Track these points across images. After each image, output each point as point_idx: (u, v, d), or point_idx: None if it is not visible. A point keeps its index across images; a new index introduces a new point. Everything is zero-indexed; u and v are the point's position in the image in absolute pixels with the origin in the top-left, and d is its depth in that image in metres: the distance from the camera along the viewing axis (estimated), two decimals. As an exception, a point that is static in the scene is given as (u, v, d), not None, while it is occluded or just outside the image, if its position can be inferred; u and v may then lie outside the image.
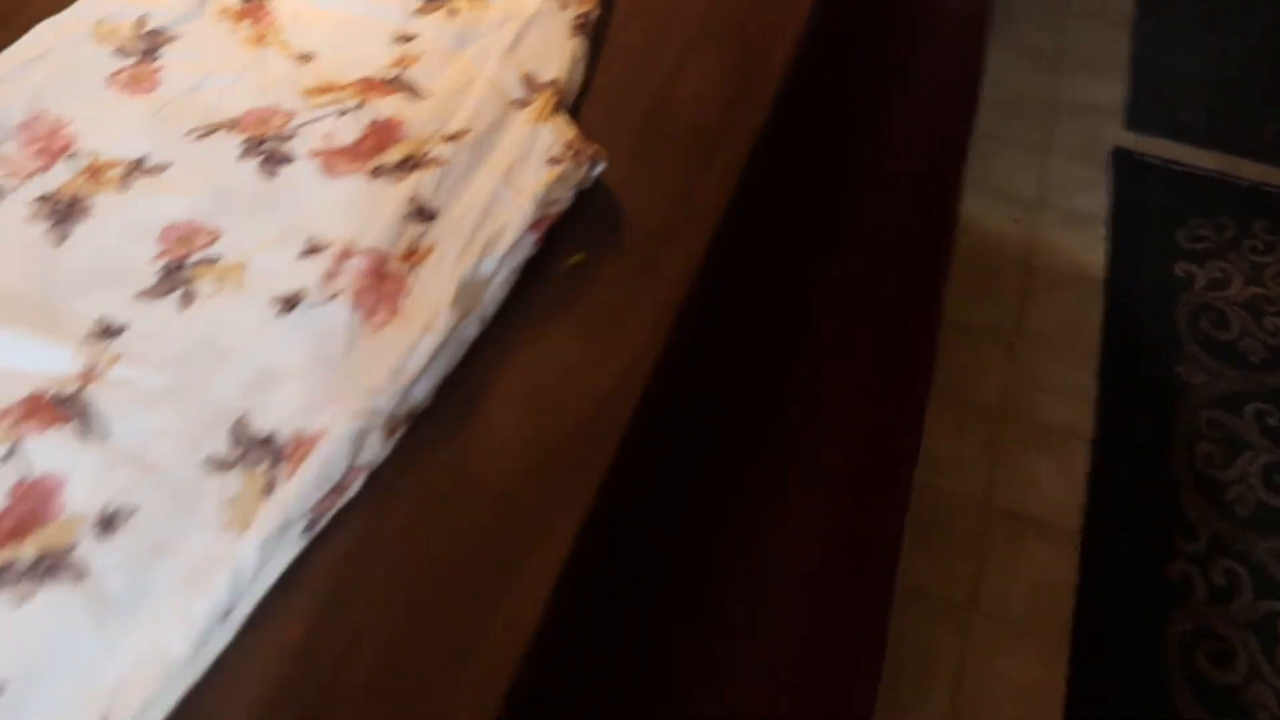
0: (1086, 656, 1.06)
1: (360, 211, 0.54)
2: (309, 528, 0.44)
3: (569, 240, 0.54)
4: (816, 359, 0.80)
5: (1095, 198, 1.43)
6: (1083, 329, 1.33)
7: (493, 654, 0.41)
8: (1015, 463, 1.22)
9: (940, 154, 1.00)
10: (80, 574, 0.42)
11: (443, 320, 0.48)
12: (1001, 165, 1.49)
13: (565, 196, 0.54)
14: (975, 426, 1.24)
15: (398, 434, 0.46)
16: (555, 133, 0.56)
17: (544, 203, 0.53)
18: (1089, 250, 1.39)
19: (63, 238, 0.53)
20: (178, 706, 0.39)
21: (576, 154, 0.55)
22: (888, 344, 0.84)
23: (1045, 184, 1.49)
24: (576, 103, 0.60)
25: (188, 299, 0.51)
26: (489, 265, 0.50)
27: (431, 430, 0.47)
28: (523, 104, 0.58)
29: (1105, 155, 1.46)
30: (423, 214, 0.54)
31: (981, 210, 1.44)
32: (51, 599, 0.41)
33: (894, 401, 0.83)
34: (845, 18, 0.84)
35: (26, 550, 0.43)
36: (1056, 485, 1.21)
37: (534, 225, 0.52)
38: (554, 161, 0.54)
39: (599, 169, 0.55)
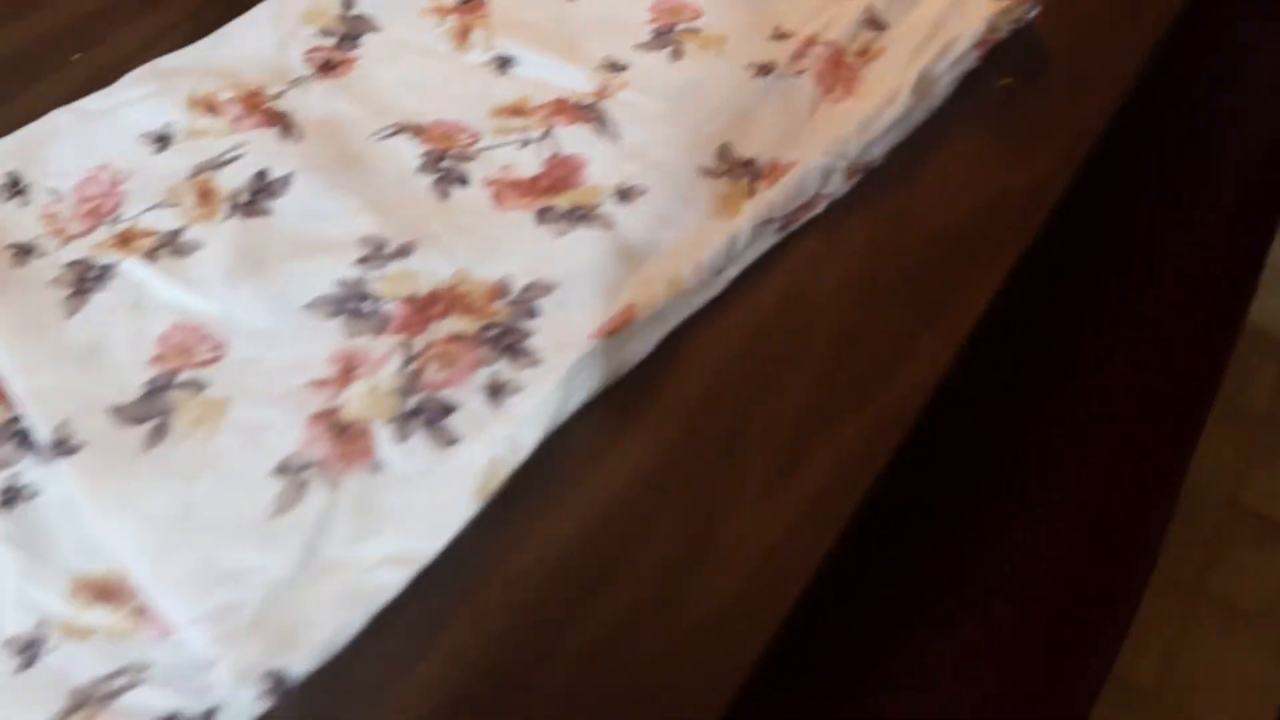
0: (1316, 667, 1.04)
1: (822, 13, 0.63)
2: (781, 228, 0.53)
3: (1000, 67, 0.61)
4: (1118, 335, 0.82)
5: None
6: (1370, 354, 1.29)
7: (923, 359, 0.49)
8: (1273, 470, 1.20)
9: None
10: (607, 224, 0.52)
11: (903, 99, 0.56)
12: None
13: (1004, 28, 0.61)
14: (1236, 428, 1.22)
15: (854, 179, 0.55)
16: (997, -22, 0.63)
17: (990, 28, 0.60)
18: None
19: (575, -2, 0.64)
20: (675, 332, 0.49)
21: (1019, -6, 0.62)
22: (1188, 345, 0.85)
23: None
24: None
25: (676, 55, 0.61)
26: (940, 67, 0.58)
27: (881, 181, 0.55)
28: (963, -45, 0.65)
29: None
30: (875, 23, 0.62)
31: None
32: (585, 235, 0.52)
33: (1177, 403, 0.84)
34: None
35: (561, 202, 0.54)
36: (1314, 499, 1.18)
37: (978, 44, 0.59)
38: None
39: (1034, 13, 0.62)
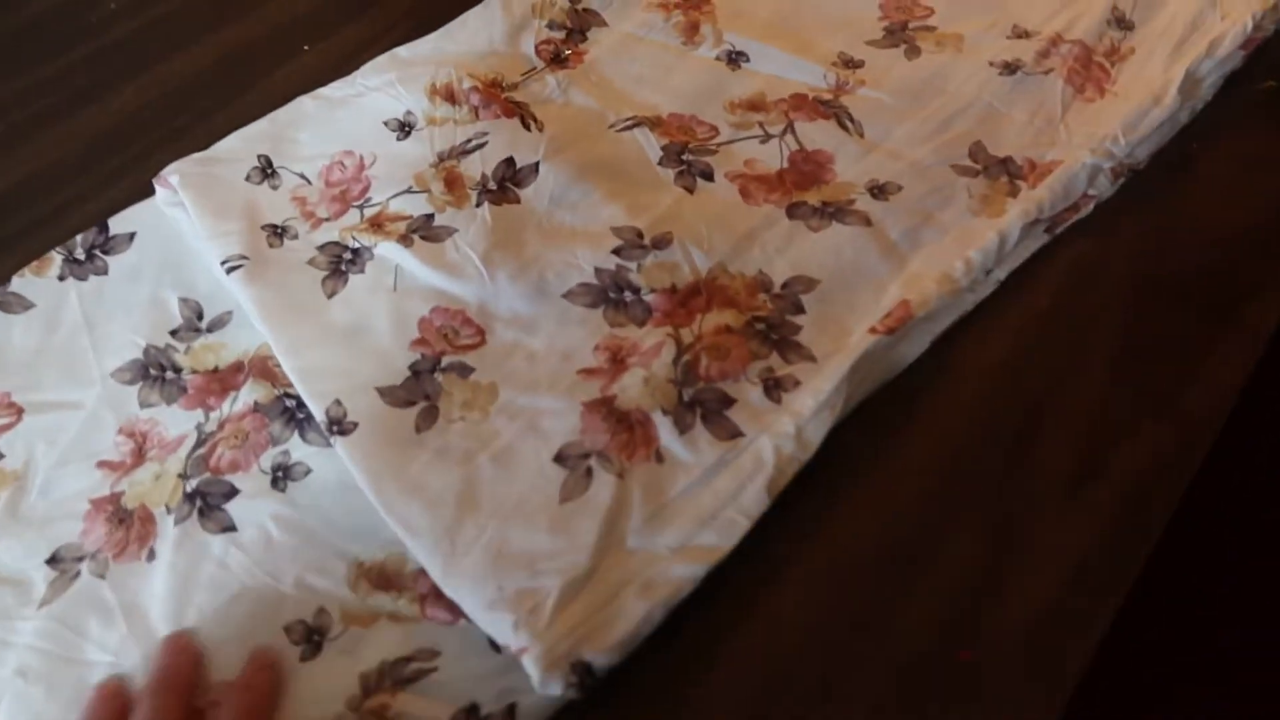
0: None
1: (1064, 12, 0.60)
2: (1049, 229, 0.50)
3: (1263, 68, 0.57)
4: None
5: None
6: None
7: (1223, 362, 0.45)
8: None
9: None
10: (864, 219, 0.50)
11: (1170, 98, 0.53)
12: None
13: (1269, 27, 0.57)
14: None
15: (1120, 180, 0.52)
16: (1254, -24, 0.60)
17: (1255, 26, 0.56)
18: None
19: (803, -6, 0.63)
20: (947, 333, 0.47)
21: (1285, -8, 0.58)
22: None
23: None
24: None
25: (912, 53, 0.59)
26: (1206, 66, 0.55)
27: (1148, 183, 0.52)
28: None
29: None
30: (1122, 23, 0.59)
31: None
32: (842, 231, 0.50)
33: None
34: None
35: (811, 198, 0.52)
36: None
37: (1244, 44, 0.56)
38: (1262, -4, 0.58)
39: (1302, 10, 0.58)
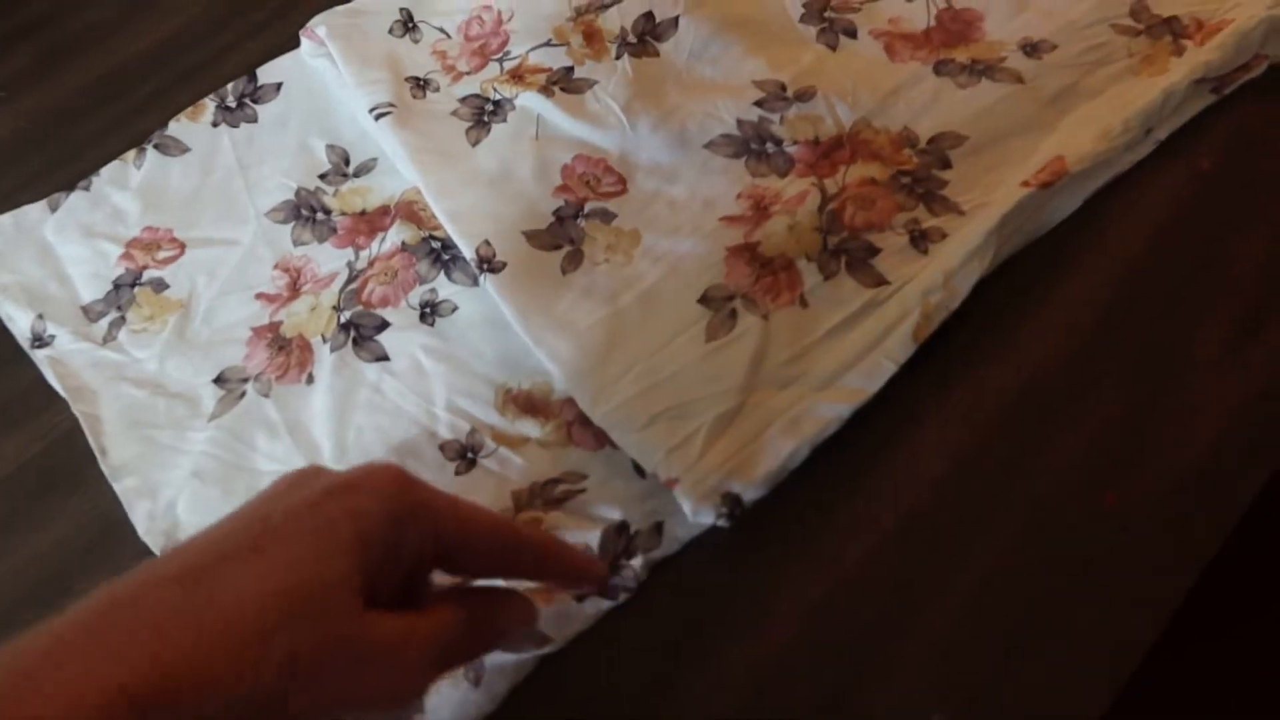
0: None
1: None
2: (1216, 90, 0.48)
3: None
4: None
5: None
6: None
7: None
8: None
9: None
10: (1016, 77, 0.48)
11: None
12: None
13: None
14: None
15: (1294, 43, 0.49)
16: None
17: None
18: None
19: None
20: (1101, 193, 0.45)
21: None
22: None
23: None
24: None
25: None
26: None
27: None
28: None
29: None
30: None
31: None
32: (992, 88, 0.48)
33: None
34: None
35: (959, 55, 0.50)
36: None
37: None
38: None
39: None
